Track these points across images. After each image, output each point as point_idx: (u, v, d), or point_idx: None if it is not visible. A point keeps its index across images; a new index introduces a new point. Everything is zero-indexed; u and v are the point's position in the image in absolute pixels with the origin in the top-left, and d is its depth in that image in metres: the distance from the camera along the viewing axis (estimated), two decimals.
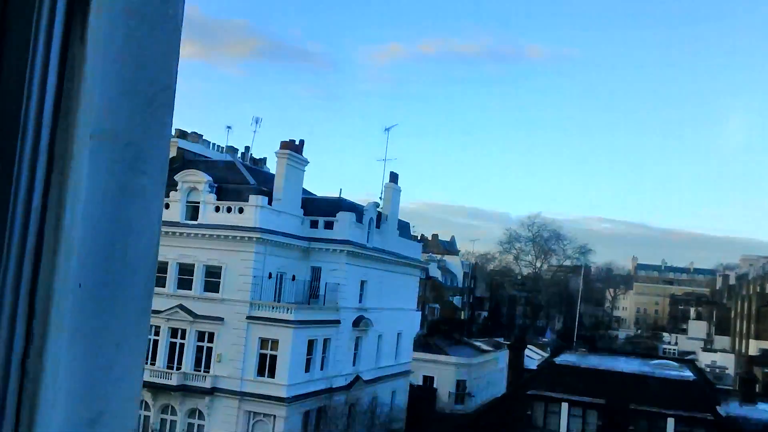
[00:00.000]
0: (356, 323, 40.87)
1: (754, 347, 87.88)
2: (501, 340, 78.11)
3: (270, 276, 37.30)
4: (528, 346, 61.19)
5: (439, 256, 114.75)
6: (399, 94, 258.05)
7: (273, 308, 35.76)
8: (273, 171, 41.75)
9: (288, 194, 38.75)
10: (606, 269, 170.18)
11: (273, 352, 35.17)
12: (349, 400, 38.91)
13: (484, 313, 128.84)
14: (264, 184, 39.72)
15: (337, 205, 41.76)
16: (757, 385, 46.59)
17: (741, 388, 42.45)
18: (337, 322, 38.69)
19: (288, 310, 35.42)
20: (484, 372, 61.99)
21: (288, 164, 38.74)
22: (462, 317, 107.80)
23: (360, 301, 41.86)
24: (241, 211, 36.69)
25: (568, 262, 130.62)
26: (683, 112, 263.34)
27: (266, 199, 37.15)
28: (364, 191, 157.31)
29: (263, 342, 35.43)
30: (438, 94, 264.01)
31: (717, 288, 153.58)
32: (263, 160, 51.63)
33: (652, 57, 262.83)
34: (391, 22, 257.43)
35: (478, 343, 67.73)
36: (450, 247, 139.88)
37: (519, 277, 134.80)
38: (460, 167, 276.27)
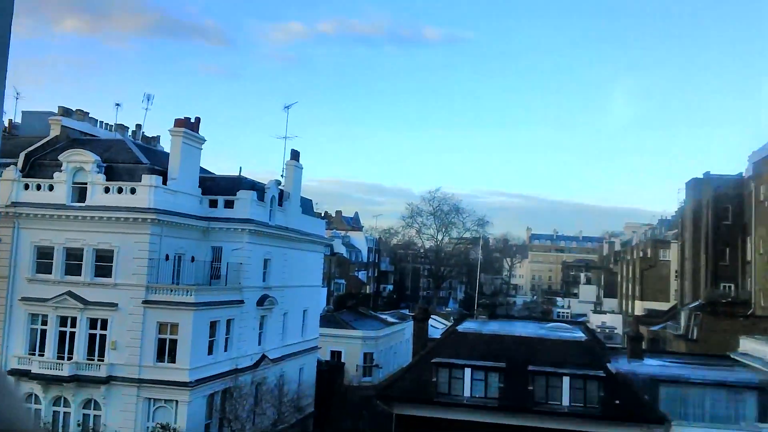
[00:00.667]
0: (260, 302, 40.46)
1: (639, 307, 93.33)
2: (406, 311, 79.50)
3: (167, 258, 36.24)
4: (432, 316, 62.49)
5: (343, 233, 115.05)
6: (299, 73, 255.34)
7: (171, 291, 34.81)
8: (168, 150, 40.38)
9: (184, 173, 37.65)
10: (503, 240, 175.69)
11: (173, 336, 34.28)
12: (256, 380, 38.59)
13: (389, 287, 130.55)
14: (158, 163, 38.38)
15: (238, 183, 40.94)
16: (643, 342, 49.52)
17: (629, 346, 44.98)
18: (241, 302, 38.16)
19: (188, 292, 34.58)
20: (391, 344, 62.95)
21: (183, 142, 37.58)
22: (368, 291, 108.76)
23: (264, 280, 41.40)
24: (133, 191, 35.36)
25: (467, 234, 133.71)
26: (572, 93, 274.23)
27: (160, 178, 35.96)
28: (266, 170, 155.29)
29: (162, 326, 34.45)
30: (338, 73, 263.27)
31: (604, 254, 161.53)
32: (156, 139, 49.77)
33: (544, 40, 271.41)
34: (290, 1, 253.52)
35: (384, 316, 68.63)
36: (354, 224, 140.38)
37: (422, 250, 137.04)
38: (362, 145, 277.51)
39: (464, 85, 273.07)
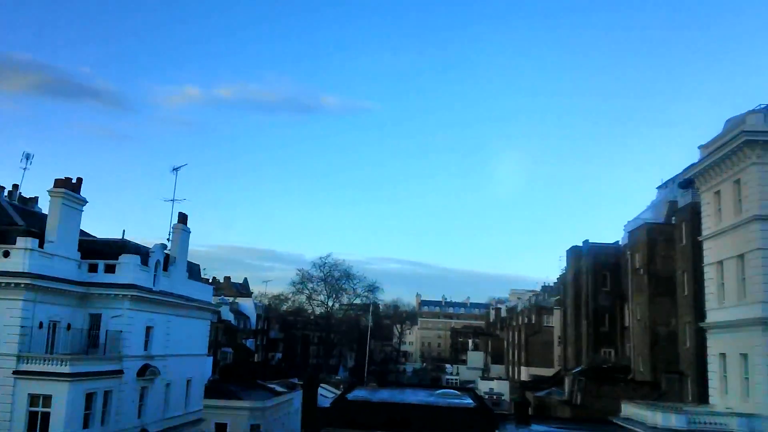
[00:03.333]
0: (141, 372, 38.42)
1: (525, 373, 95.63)
2: (295, 380, 77.66)
3: (41, 326, 34.00)
4: (322, 384, 61.45)
5: (231, 299, 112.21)
6: (194, 137, 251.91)
7: (45, 361, 32.52)
8: (47, 212, 38.41)
9: (63, 236, 35.80)
10: (393, 306, 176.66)
11: (46, 409, 31.84)
12: None
13: (279, 354, 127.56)
14: (36, 225, 36.38)
15: (120, 247, 39.28)
16: (530, 408, 50.60)
17: (516, 412, 45.82)
18: (120, 372, 36.08)
19: (62, 362, 32.39)
20: (279, 414, 61.08)
21: (63, 203, 35.84)
22: (256, 360, 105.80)
23: (146, 349, 39.47)
24: (6, 254, 33.19)
25: (358, 301, 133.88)
26: (461, 161, 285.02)
27: (37, 241, 34.02)
28: (153, 234, 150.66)
29: (33, 399, 31.95)
30: (233, 138, 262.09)
31: (491, 320, 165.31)
32: (35, 200, 47.28)
33: (432, 110, 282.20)
34: (188, 65, 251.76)
35: (272, 386, 66.69)
36: (243, 290, 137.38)
37: (312, 317, 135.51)
38: (255, 210, 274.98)
39: (358, 153, 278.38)
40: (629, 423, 35.82)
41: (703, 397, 39.28)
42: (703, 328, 38.06)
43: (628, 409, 37.16)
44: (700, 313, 40.61)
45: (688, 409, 34.79)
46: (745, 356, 32.99)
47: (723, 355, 35.46)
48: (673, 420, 31.97)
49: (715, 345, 36.59)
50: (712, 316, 36.99)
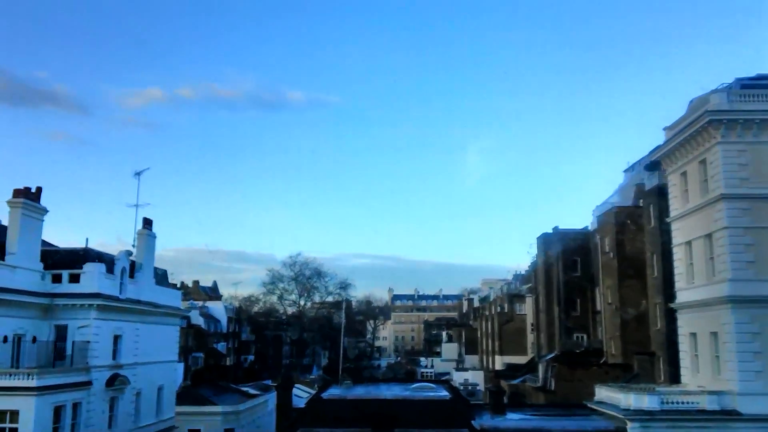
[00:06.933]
0: (110, 382, 37.57)
1: (499, 362, 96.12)
2: (269, 382, 76.99)
3: (5, 340, 33.04)
4: (296, 384, 60.91)
5: (201, 303, 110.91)
6: (156, 139, 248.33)
7: (10, 376, 31.56)
8: (6, 223, 37.35)
9: (23, 247, 34.81)
10: (366, 302, 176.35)
11: (13, 425, 30.84)
12: None
13: (251, 357, 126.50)
14: None
15: (84, 256, 38.35)
16: (504, 397, 50.75)
17: (491, 401, 45.92)
18: (88, 383, 35.22)
19: (29, 375, 31.46)
20: (254, 417, 60.41)
21: (23, 214, 34.89)
22: (228, 363, 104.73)
23: (114, 358, 38.62)
24: None
25: (330, 298, 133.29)
26: (428, 154, 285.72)
27: None
28: (117, 240, 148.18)
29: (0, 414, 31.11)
30: (197, 138, 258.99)
31: (464, 311, 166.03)
32: None
33: (397, 104, 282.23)
34: (148, 66, 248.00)
35: (245, 389, 65.95)
36: (212, 293, 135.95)
37: (284, 317, 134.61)
38: (222, 211, 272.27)
39: (326, 149, 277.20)
40: (603, 406, 36.09)
41: (675, 377, 39.77)
42: (673, 308, 38.49)
43: (602, 393, 37.43)
44: (669, 294, 41.07)
45: (660, 389, 35.16)
46: (715, 335, 33.41)
47: (693, 335, 35.89)
48: (646, 401, 32.28)
49: (685, 325, 37.02)
50: (682, 296, 37.40)
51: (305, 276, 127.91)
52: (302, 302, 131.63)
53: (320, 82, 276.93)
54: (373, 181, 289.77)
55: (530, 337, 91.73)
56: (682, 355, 37.37)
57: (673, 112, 38.45)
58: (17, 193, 35.26)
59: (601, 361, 56.98)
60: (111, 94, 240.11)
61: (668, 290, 41.81)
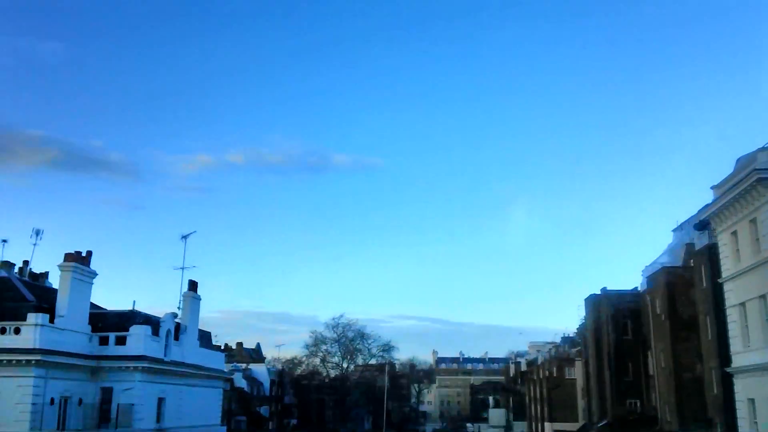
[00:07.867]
0: None
1: (549, 429, 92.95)
2: None
3: (52, 402, 33.38)
4: None
5: (244, 365, 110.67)
6: (206, 204, 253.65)
7: None
8: (57, 286, 38.22)
9: (73, 310, 35.50)
10: (409, 365, 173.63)
11: None
12: None
13: (294, 421, 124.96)
14: (46, 300, 36.17)
15: (130, 318, 38.93)
16: None
17: None
18: None
19: None
20: None
21: (73, 277, 35.72)
22: (270, 427, 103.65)
23: (158, 421, 38.62)
24: (17, 331, 32.86)
25: (373, 361, 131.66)
26: (474, 217, 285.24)
27: (47, 316, 33.68)
28: (163, 303, 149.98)
29: None
30: (244, 201, 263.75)
31: (511, 375, 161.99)
32: (45, 275, 47.18)
33: (443, 166, 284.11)
34: (197, 134, 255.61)
35: None
36: (256, 355, 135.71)
37: (326, 380, 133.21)
38: (268, 273, 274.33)
39: (370, 211, 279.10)
40: None
41: None
42: (730, 372, 36.95)
43: None
44: (725, 356, 39.48)
45: None
46: None
47: (752, 400, 34.28)
48: None
49: (742, 390, 35.43)
50: (738, 359, 35.93)
51: (348, 338, 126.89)
52: (345, 365, 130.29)
53: (365, 145, 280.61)
54: (418, 242, 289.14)
55: (581, 403, 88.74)
56: (740, 422, 35.65)
57: (722, 171, 37.69)
58: (68, 257, 36.15)
59: (656, 429, 54.71)
60: (162, 161, 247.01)
61: (723, 352, 40.22)
